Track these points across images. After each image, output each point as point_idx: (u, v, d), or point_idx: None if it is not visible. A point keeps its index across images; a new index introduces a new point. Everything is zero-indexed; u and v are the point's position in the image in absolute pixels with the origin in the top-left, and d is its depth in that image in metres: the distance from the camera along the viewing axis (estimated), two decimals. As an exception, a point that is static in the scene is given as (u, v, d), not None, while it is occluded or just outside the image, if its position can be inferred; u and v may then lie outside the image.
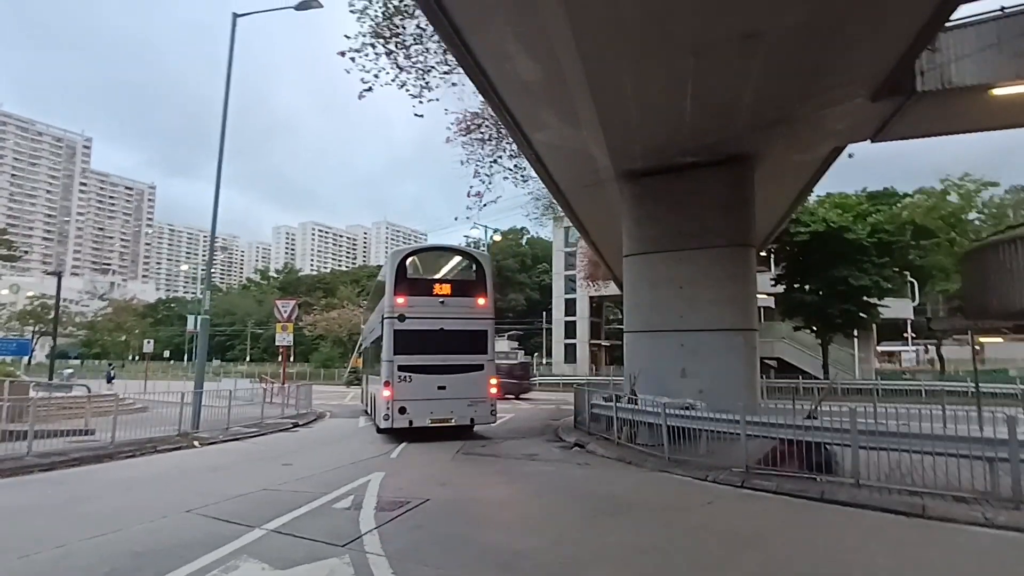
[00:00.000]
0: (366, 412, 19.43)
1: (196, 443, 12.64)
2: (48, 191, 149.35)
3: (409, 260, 14.30)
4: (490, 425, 14.72)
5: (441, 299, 13.79)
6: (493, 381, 14.04)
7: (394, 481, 8.74)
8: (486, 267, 14.55)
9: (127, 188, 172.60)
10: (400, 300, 13.50)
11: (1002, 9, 9.63)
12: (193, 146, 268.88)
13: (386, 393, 13.12)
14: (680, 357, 12.57)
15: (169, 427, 13.25)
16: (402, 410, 13.08)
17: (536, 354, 64.01)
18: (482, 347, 13.89)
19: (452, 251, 16.29)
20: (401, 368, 13.21)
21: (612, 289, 40.03)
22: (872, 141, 12.30)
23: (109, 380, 32.76)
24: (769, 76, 9.23)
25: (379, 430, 14.08)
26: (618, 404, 12.26)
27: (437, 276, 14.72)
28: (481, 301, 14.09)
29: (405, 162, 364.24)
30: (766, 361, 32.68)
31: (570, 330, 55.39)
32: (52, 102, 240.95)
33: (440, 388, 13.34)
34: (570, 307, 55.65)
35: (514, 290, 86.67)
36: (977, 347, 22.19)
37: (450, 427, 13.58)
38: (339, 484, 8.39)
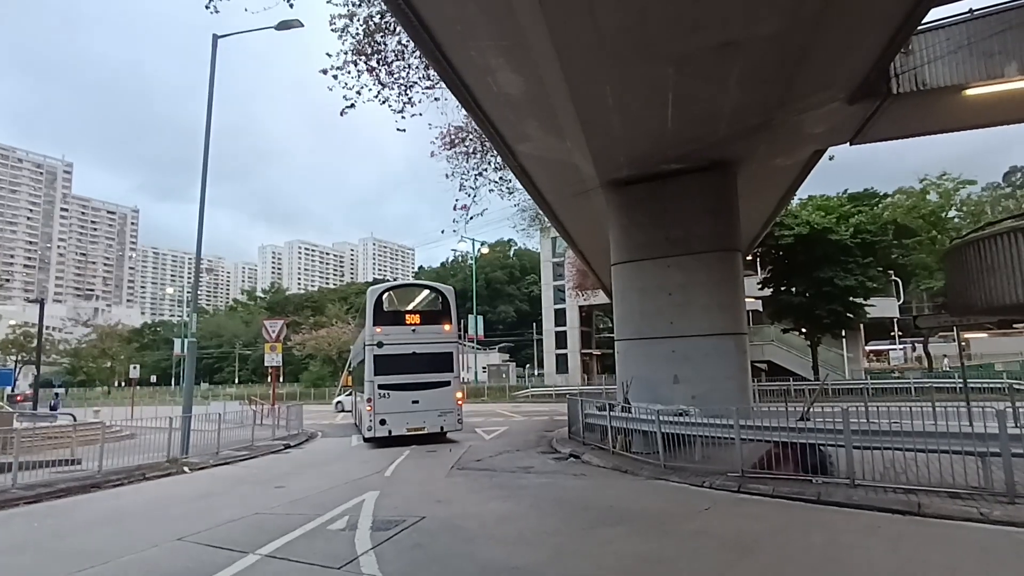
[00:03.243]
0: (356, 426, 21.10)
1: (186, 469, 12.43)
2: (29, 218, 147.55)
3: (385, 295, 16.62)
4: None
5: (412, 327, 15.98)
6: (459, 395, 16.30)
7: (389, 500, 8.64)
8: (450, 298, 16.70)
9: (109, 212, 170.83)
10: (378, 329, 15.66)
11: (970, 11, 9.86)
12: (183, 170, 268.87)
13: (369, 408, 15.29)
14: (672, 364, 12.57)
15: (158, 453, 13.02)
16: (382, 422, 15.20)
17: (528, 365, 63.95)
18: (448, 366, 16.07)
19: (420, 286, 18.99)
20: (381, 387, 15.31)
21: (601, 298, 40.11)
22: (851, 144, 12.48)
23: (52, 408, 26.86)
24: (747, 83, 9.35)
25: (365, 439, 16.02)
26: (612, 413, 12.23)
27: (408, 308, 16.79)
28: (447, 328, 16.28)
29: (396, 181, 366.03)
30: (756, 364, 32.80)
31: (561, 340, 55.30)
32: (42, 130, 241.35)
33: (414, 402, 15.47)
34: (560, 317, 55.61)
35: (503, 302, 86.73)
36: (963, 343, 22.48)
37: (434, 436, 15.71)
38: (333, 505, 8.28)
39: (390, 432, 15.13)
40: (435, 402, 15.63)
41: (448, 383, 15.94)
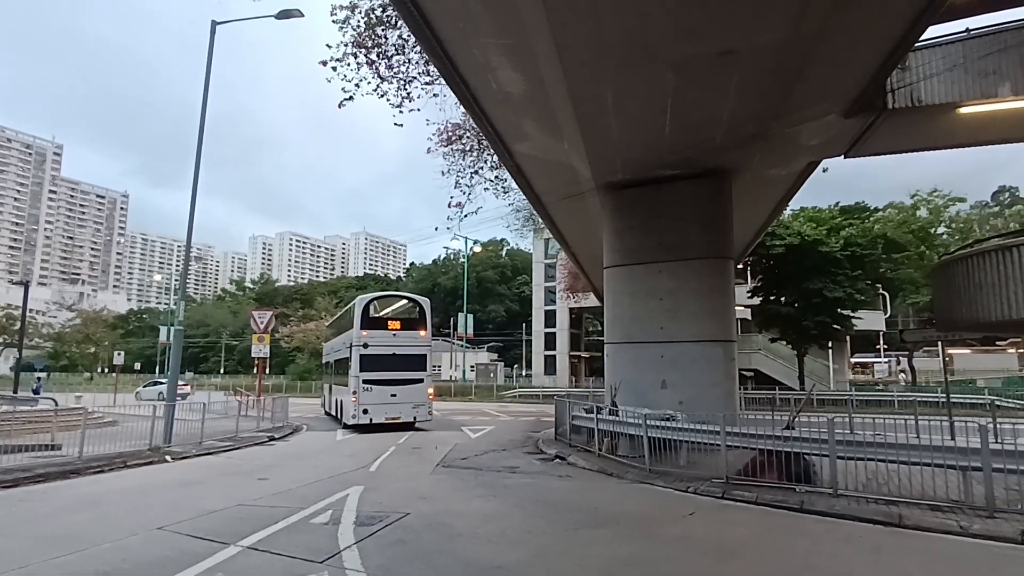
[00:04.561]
0: (328, 413, 23.86)
1: (168, 458, 12.30)
2: (16, 198, 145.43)
3: (371, 303, 19.14)
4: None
5: (393, 332, 18.55)
6: (429, 391, 19.08)
7: (373, 495, 8.61)
8: (426, 308, 19.55)
9: (98, 196, 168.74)
10: (364, 332, 18.10)
11: (967, 30, 9.97)
12: (175, 157, 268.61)
13: (353, 400, 17.75)
14: (660, 368, 12.62)
15: (140, 441, 12.87)
16: (365, 411, 17.70)
17: (516, 365, 63.96)
18: (422, 366, 18.78)
19: (401, 297, 21.97)
20: (365, 382, 17.78)
21: (592, 301, 40.22)
22: (845, 157, 12.57)
23: (35, 392, 26.57)
24: (745, 92, 9.41)
25: (347, 426, 18.50)
26: (599, 416, 12.25)
27: (390, 315, 19.38)
28: (422, 333, 19.05)
29: (391, 177, 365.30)
30: (743, 372, 33.07)
31: (550, 342, 55.38)
32: (33, 110, 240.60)
33: (392, 396, 18.07)
34: (550, 319, 55.68)
35: (493, 301, 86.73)
36: (947, 358, 22.75)
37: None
38: (317, 499, 8.24)
39: (371, 420, 17.67)
40: (410, 396, 18.30)
41: (421, 380, 18.65)
